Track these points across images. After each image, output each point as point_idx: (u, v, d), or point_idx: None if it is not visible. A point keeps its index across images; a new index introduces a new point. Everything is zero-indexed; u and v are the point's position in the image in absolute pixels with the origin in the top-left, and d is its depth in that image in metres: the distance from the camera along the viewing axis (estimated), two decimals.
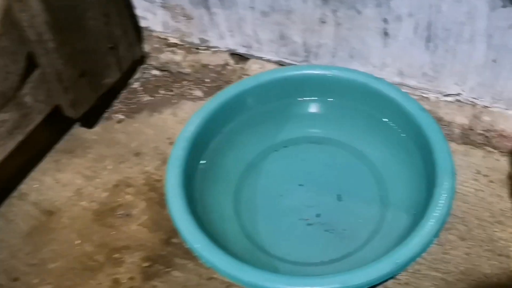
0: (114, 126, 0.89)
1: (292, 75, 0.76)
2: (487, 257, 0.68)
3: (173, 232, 0.72)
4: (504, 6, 0.66)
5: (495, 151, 0.81)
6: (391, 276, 0.54)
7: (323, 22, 0.80)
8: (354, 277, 0.53)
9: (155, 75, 0.97)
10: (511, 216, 0.72)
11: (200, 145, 0.71)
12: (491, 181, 0.77)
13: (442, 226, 0.56)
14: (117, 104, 0.93)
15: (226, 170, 0.75)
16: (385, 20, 0.75)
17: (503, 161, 0.79)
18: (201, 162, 0.72)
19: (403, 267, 0.54)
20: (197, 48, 0.96)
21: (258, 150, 0.77)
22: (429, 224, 0.56)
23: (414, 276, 0.67)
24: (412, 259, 0.54)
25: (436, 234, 0.56)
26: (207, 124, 0.71)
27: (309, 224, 0.70)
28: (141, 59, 0.97)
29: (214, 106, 0.72)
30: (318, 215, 0.71)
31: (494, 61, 0.73)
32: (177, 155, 0.66)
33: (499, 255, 0.69)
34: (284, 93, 0.77)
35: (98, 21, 0.82)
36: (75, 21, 0.78)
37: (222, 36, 0.91)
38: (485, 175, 0.78)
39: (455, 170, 0.62)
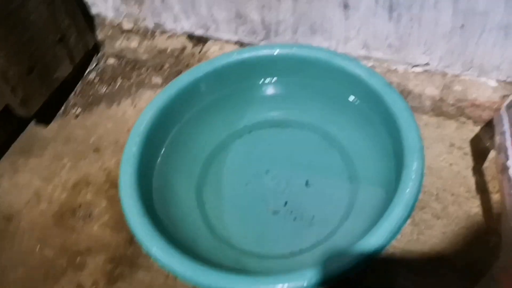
0: (71, 122, 0.84)
1: (248, 57, 0.71)
2: (464, 235, 0.65)
3: None
4: None
5: (469, 121, 0.77)
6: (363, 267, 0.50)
7: None
8: (320, 272, 0.49)
9: (111, 64, 0.92)
10: (487, 191, 0.68)
11: (156, 137, 0.66)
12: (466, 153, 0.74)
13: (411, 211, 0.52)
14: (73, 98, 0.88)
15: (187, 161, 0.70)
16: None
17: (477, 131, 0.75)
18: (160, 155, 0.67)
19: (370, 259, 0.50)
20: (153, 33, 0.90)
21: (220, 138, 0.73)
22: (396, 211, 0.52)
23: (388, 260, 0.64)
24: (379, 251, 0.50)
25: (405, 220, 0.52)
26: (162, 116, 0.66)
27: (276, 214, 0.66)
28: (95, 49, 0.91)
29: (168, 96, 0.67)
30: (286, 203, 0.67)
31: (462, 26, 0.69)
32: (130, 152, 0.62)
33: (476, 231, 0.65)
34: (243, 76, 0.73)
35: (41, 12, 0.76)
36: (14, 14, 0.72)
37: (177, 18, 0.86)
38: (459, 148, 0.75)
39: (424, 148, 0.58)
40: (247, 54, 0.71)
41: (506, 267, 0.57)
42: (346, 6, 0.72)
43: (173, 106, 0.68)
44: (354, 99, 0.70)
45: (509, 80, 0.74)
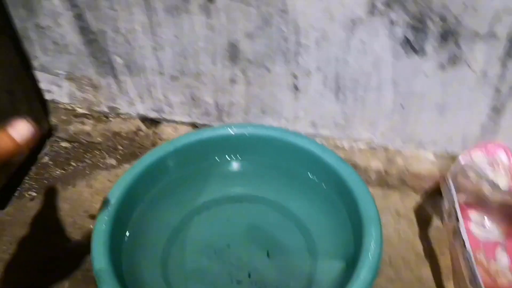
0: (27, 204, 0.83)
1: (208, 137, 0.75)
2: None
3: None
4: (408, 55, 0.68)
5: (411, 191, 0.83)
6: None
7: (234, 82, 0.80)
8: None
9: (65, 147, 0.93)
10: (435, 255, 0.73)
11: (123, 216, 0.67)
12: (411, 221, 0.79)
13: (376, 274, 0.56)
14: (27, 181, 0.87)
15: (151, 239, 0.71)
16: (295, 76, 0.76)
17: (420, 200, 0.81)
18: (126, 234, 0.68)
19: None
20: (107, 117, 0.93)
21: (181, 215, 0.75)
22: (362, 274, 0.55)
23: None
24: None
25: (371, 283, 0.55)
26: (127, 195, 0.67)
27: (241, 286, 0.68)
28: (49, 133, 0.92)
29: (133, 175, 0.69)
30: (249, 275, 0.69)
31: (402, 106, 0.75)
32: (100, 230, 0.62)
33: None
34: (202, 155, 0.76)
35: (1, 99, 0.77)
36: None
37: (132, 102, 0.89)
38: (404, 216, 0.80)
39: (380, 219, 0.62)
40: (206, 134, 0.75)
41: None
42: (296, 89, 0.78)
43: (137, 185, 0.70)
44: (309, 175, 0.74)
45: (445, 153, 0.81)
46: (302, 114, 0.83)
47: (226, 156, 0.78)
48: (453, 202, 0.60)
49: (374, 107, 0.78)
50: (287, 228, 0.74)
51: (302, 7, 0.67)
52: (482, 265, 0.68)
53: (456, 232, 0.58)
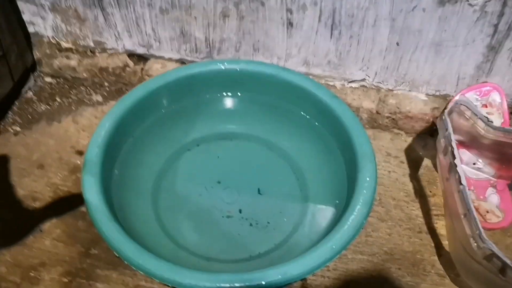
0: (11, 139, 0.81)
1: (200, 72, 0.73)
2: (408, 236, 0.69)
3: (92, 243, 0.68)
4: None
5: (402, 132, 0.83)
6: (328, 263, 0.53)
7: (226, 16, 0.78)
8: (293, 268, 0.51)
9: (49, 83, 0.90)
10: (425, 195, 0.74)
11: (112, 150, 0.66)
12: (402, 162, 0.79)
13: (370, 208, 0.56)
14: (11, 116, 0.85)
15: (141, 173, 0.71)
16: (289, 10, 0.74)
17: (410, 141, 0.81)
18: (116, 167, 0.67)
19: (339, 252, 0.52)
20: (93, 52, 0.90)
21: (171, 151, 0.74)
22: (358, 207, 0.55)
23: (341, 261, 0.67)
24: (348, 243, 0.53)
25: (366, 216, 0.55)
26: (117, 129, 0.66)
27: (232, 220, 0.68)
28: (33, 67, 0.89)
29: (123, 109, 0.67)
30: (240, 211, 0.69)
31: (398, 44, 0.74)
32: (91, 162, 0.61)
33: (419, 232, 0.70)
34: (193, 90, 0.75)
35: None
36: None
37: (119, 37, 0.86)
38: (395, 157, 0.80)
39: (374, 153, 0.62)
40: (198, 69, 0.73)
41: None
42: (290, 25, 0.76)
43: (127, 119, 0.69)
44: (302, 112, 0.73)
45: (437, 93, 0.80)
46: (295, 51, 0.81)
47: (218, 92, 0.77)
48: (450, 139, 0.60)
49: (369, 45, 0.76)
50: (279, 166, 0.74)
51: None
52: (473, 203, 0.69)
53: (452, 168, 0.58)
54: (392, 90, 0.83)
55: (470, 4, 0.66)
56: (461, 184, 0.55)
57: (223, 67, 0.74)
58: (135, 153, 0.70)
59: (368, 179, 0.58)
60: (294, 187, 0.71)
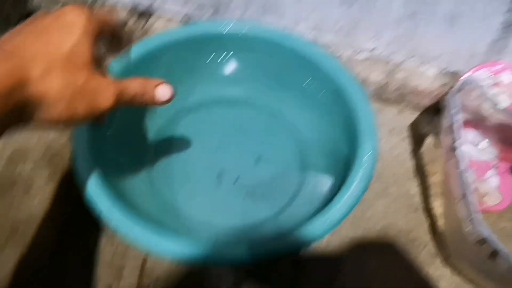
0: None
1: (201, 33, 0.74)
2: (404, 213, 0.72)
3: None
4: None
5: (409, 107, 0.84)
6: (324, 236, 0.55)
7: None
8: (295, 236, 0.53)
9: None
10: (425, 173, 0.76)
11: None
12: (405, 138, 0.81)
13: (368, 183, 0.58)
14: None
15: (136, 136, 0.72)
16: None
17: (416, 117, 0.83)
18: (109, 128, 0.68)
19: (337, 225, 0.55)
20: (92, 6, 0.90)
21: (167, 116, 0.75)
22: (356, 183, 0.57)
23: (334, 236, 0.69)
24: (346, 215, 0.55)
25: (363, 192, 0.57)
26: None
27: (228, 187, 0.70)
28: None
29: (119, 67, 0.68)
30: (237, 178, 0.71)
31: (413, 14, 0.75)
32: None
33: (415, 210, 0.72)
34: (194, 52, 0.75)
35: None
36: None
37: None
38: (399, 132, 0.81)
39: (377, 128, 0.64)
40: (199, 30, 0.74)
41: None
42: None
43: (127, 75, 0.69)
44: (307, 80, 0.74)
45: (448, 70, 0.81)
46: (305, 15, 0.82)
47: (222, 55, 0.78)
48: (452, 120, 0.61)
49: (382, 13, 0.77)
50: (280, 134, 0.75)
51: None
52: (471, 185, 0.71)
53: (452, 150, 0.60)
54: (401, 64, 0.83)
55: None
56: (459, 167, 0.57)
57: (226, 30, 0.74)
58: (130, 114, 0.71)
59: (368, 154, 0.60)
60: (294, 157, 0.73)
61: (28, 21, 0.43)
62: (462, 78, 0.71)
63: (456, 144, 0.59)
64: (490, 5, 0.69)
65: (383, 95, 0.84)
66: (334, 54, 0.84)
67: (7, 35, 0.41)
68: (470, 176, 0.68)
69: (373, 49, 0.83)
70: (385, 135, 0.81)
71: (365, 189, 0.57)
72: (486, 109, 0.65)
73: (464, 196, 0.55)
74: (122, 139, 0.69)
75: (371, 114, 0.63)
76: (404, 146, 0.80)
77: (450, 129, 0.61)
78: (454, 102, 0.63)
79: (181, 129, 0.75)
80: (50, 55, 0.40)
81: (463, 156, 0.58)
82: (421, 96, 0.82)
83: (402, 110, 0.84)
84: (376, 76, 0.84)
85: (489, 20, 0.72)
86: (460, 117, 0.61)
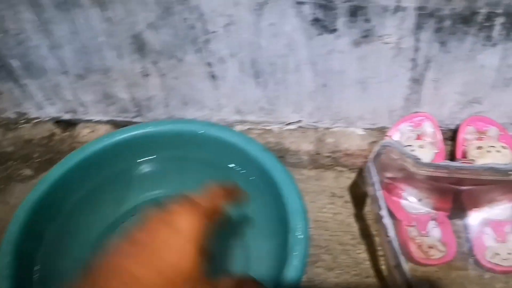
0: None
1: (121, 139, 0.73)
2: (356, 283, 0.71)
3: None
4: (320, 34, 0.69)
5: (345, 169, 0.85)
6: None
7: (146, 75, 0.79)
8: None
9: None
10: (370, 234, 0.75)
11: (31, 241, 0.66)
12: (347, 201, 0.81)
13: (304, 265, 0.57)
14: None
15: (74, 249, 0.70)
16: (209, 64, 0.76)
17: (354, 177, 0.83)
18: (36, 266, 0.66)
19: None
20: (16, 123, 0.90)
21: (103, 227, 0.74)
22: (289, 273, 0.56)
23: None
24: None
25: (301, 276, 0.56)
26: (34, 217, 0.66)
27: None
28: None
29: (39, 195, 0.67)
30: None
31: (324, 85, 0.76)
32: (2, 264, 0.61)
33: (366, 277, 0.71)
34: (118, 158, 0.75)
35: None
36: None
37: (41, 106, 0.87)
38: (340, 196, 0.81)
39: (306, 209, 0.63)
40: (120, 136, 0.74)
41: None
42: (213, 77, 0.78)
43: (45, 204, 0.68)
44: (234, 167, 0.74)
45: (374, 127, 0.83)
46: (225, 101, 0.83)
47: (146, 156, 0.77)
48: (374, 189, 0.62)
49: (296, 89, 0.78)
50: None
51: None
52: (415, 240, 0.71)
53: (379, 219, 0.60)
54: (329, 128, 0.85)
55: (384, 42, 0.68)
56: (387, 235, 0.57)
57: (145, 131, 0.74)
58: (60, 236, 0.69)
59: (299, 236, 0.59)
60: (236, 245, 0.72)
61: (139, 230, 0.43)
62: (379, 143, 0.72)
63: (381, 213, 0.59)
64: (392, 67, 0.72)
65: (318, 161, 0.85)
66: (264, 130, 0.85)
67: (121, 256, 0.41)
68: (412, 232, 0.68)
69: (298, 121, 0.84)
70: (327, 202, 0.81)
71: (302, 272, 0.57)
72: (410, 166, 0.66)
73: (397, 265, 0.55)
74: (59, 252, 0.68)
75: (298, 196, 0.63)
76: (347, 210, 0.80)
77: (374, 198, 0.61)
78: (373, 171, 0.63)
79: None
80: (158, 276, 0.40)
81: (390, 224, 0.58)
82: (353, 157, 0.83)
83: (339, 174, 0.85)
84: (307, 145, 0.85)
85: (397, 78, 0.74)
86: (379, 187, 0.61)
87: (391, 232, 0.57)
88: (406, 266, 0.54)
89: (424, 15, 0.64)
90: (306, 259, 0.59)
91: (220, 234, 0.66)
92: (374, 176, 0.63)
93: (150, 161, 0.78)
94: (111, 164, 0.74)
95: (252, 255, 0.71)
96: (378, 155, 0.64)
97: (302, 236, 0.60)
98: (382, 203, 0.60)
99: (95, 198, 0.74)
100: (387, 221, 0.58)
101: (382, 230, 0.59)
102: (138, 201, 0.77)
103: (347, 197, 0.82)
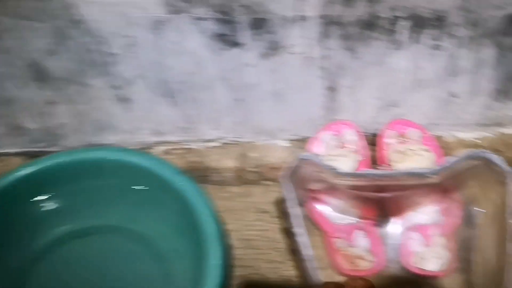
0: None
1: (15, 179, 0.68)
2: None
3: None
4: (226, 49, 0.67)
5: (271, 183, 0.83)
6: None
7: (52, 103, 0.75)
8: None
9: None
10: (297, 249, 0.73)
11: None
12: (274, 216, 0.79)
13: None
14: None
15: None
16: (115, 87, 0.73)
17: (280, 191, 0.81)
18: None
19: None
20: None
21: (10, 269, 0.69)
22: None
23: None
24: None
25: None
26: None
27: None
28: None
29: None
30: None
31: (241, 100, 0.75)
32: None
33: None
34: (13, 197, 0.69)
35: None
36: None
37: None
38: (267, 212, 0.79)
39: (222, 237, 0.61)
40: (12, 176, 0.69)
41: None
42: (124, 100, 0.75)
43: None
44: (148, 191, 0.71)
45: (297, 138, 0.81)
46: (140, 124, 0.80)
47: (48, 192, 0.73)
48: (288, 206, 0.60)
49: (212, 105, 0.76)
50: (137, 254, 0.71)
51: (97, 15, 0.63)
52: (342, 251, 0.69)
53: (293, 236, 0.58)
54: (252, 143, 0.83)
55: (291, 53, 0.67)
56: (303, 254, 0.55)
57: (43, 166, 0.69)
58: None
59: (214, 262, 0.57)
60: (156, 273, 0.69)
61: None
62: (294, 158, 0.70)
63: (294, 231, 0.57)
64: (304, 76, 0.71)
65: (244, 177, 0.83)
66: (186, 149, 0.83)
67: None
68: (339, 243, 0.66)
69: (219, 137, 0.82)
70: (255, 219, 0.79)
71: None
72: (329, 177, 0.64)
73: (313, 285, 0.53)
74: None
75: (213, 220, 0.61)
76: (275, 225, 0.78)
77: (287, 215, 0.60)
78: (286, 187, 0.61)
79: (38, 280, 0.69)
80: None
81: (305, 243, 0.56)
82: (277, 170, 0.81)
83: (266, 189, 0.83)
84: (231, 161, 0.83)
85: (311, 87, 0.73)
86: (293, 204, 0.60)
87: (307, 250, 0.55)
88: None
89: (328, 23, 0.63)
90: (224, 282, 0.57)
91: None
92: (288, 193, 0.61)
93: (52, 196, 0.73)
94: (6, 204, 0.69)
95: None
96: (295, 169, 0.62)
97: (216, 263, 0.58)
98: (296, 220, 0.58)
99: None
100: (301, 239, 0.56)
101: (297, 248, 0.58)
102: (48, 238, 0.73)
103: (275, 211, 0.80)
